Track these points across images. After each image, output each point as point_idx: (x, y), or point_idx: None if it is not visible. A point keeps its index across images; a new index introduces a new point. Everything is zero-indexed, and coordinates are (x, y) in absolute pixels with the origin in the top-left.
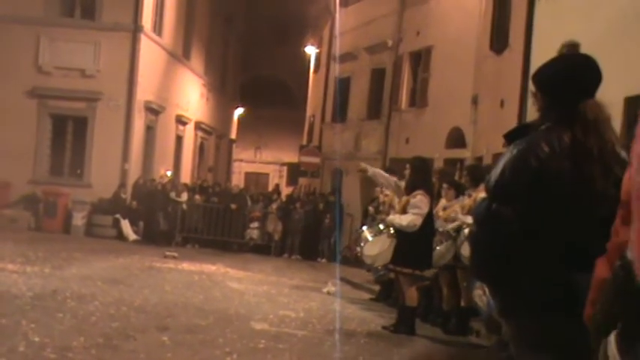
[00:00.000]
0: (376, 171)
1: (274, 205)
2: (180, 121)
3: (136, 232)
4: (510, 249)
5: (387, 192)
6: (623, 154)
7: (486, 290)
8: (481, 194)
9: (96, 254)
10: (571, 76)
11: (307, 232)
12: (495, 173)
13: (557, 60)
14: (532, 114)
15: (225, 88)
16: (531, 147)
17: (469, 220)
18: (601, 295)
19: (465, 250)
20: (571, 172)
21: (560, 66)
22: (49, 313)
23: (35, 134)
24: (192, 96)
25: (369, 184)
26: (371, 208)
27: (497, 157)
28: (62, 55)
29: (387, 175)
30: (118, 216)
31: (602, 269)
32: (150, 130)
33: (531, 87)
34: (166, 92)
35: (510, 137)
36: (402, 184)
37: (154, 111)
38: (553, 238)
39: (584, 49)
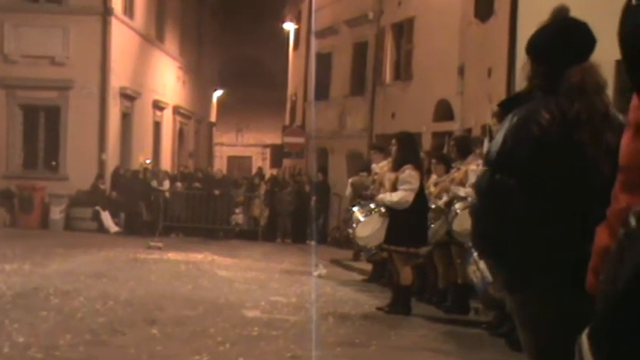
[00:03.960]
0: (355, 186)
1: (261, 190)
2: (158, 106)
3: (117, 224)
4: (514, 221)
5: (377, 170)
6: (621, 117)
7: (480, 265)
8: (471, 166)
9: (77, 248)
10: (561, 42)
11: (295, 215)
12: (497, 143)
13: (547, 26)
14: (521, 82)
15: (202, 69)
16: (532, 114)
17: (461, 191)
18: (605, 265)
19: (457, 225)
20: (564, 139)
21: (549, 32)
22: (32, 311)
23: (5, 126)
24: (168, 80)
25: (356, 163)
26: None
27: (485, 128)
28: (29, 43)
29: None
30: (97, 208)
31: (602, 237)
32: (126, 117)
33: (525, 56)
34: (141, 77)
35: (507, 105)
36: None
37: (129, 97)
38: (556, 208)
39: (574, 12)
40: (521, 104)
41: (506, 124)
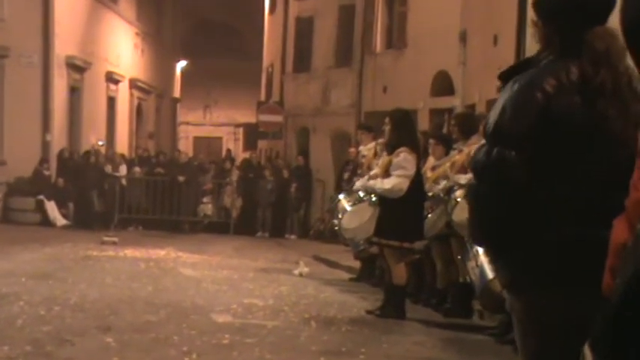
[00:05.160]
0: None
1: (233, 176)
2: (112, 79)
3: (65, 216)
4: (518, 203)
5: (365, 152)
6: None
7: (479, 261)
8: (474, 148)
9: (17, 245)
10: (576, 1)
11: (272, 205)
12: (495, 113)
13: None
14: (531, 49)
15: (163, 36)
16: (535, 80)
17: (462, 179)
18: (622, 264)
19: (457, 215)
20: (583, 109)
21: None
22: None
23: None
24: (123, 48)
25: (342, 143)
26: (347, 174)
27: (491, 103)
28: None
29: (365, 179)
30: (41, 197)
31: (620, 231)
32: (74, 91)
33: (532, 15)
34: (92, 45)
35: (507, 76)
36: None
37: (78, 68)
38: (567, 189)
39: None
40: (522, 73)
41: (506, 92)
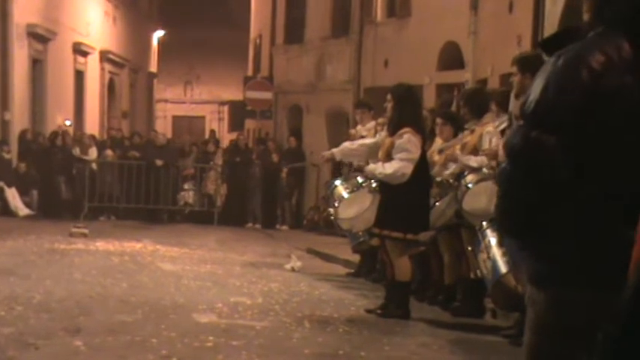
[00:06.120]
0: (343, 150)
1: (217, 159)
2: (80, 50)
3: (28, 205)
4: (555, 193)
5: (364, 133)
6: None
7: (491, 253)
8: (487, 128)
9: None
10: None
11: (261, 192)
12: (535, 91)
13: None
14: (551, 17)
15: (138, 3)
16: (582, 57)
17: (472, 161)
18: None
19: (468, 203)
20: (634, 91)
21: None
22: None
23: None
24: (93, 16)
25: (338, 123)
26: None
27: (505, 78)
28: None
29: (354, 144)
30: (0, 184)
31: None
32: (37, 64)
33: None
34: (56, 11)
35: (550, 45)
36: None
37: (41, 38)
38: (613, 181)
39: None
40: (568, 43)
41: (549, 67)
